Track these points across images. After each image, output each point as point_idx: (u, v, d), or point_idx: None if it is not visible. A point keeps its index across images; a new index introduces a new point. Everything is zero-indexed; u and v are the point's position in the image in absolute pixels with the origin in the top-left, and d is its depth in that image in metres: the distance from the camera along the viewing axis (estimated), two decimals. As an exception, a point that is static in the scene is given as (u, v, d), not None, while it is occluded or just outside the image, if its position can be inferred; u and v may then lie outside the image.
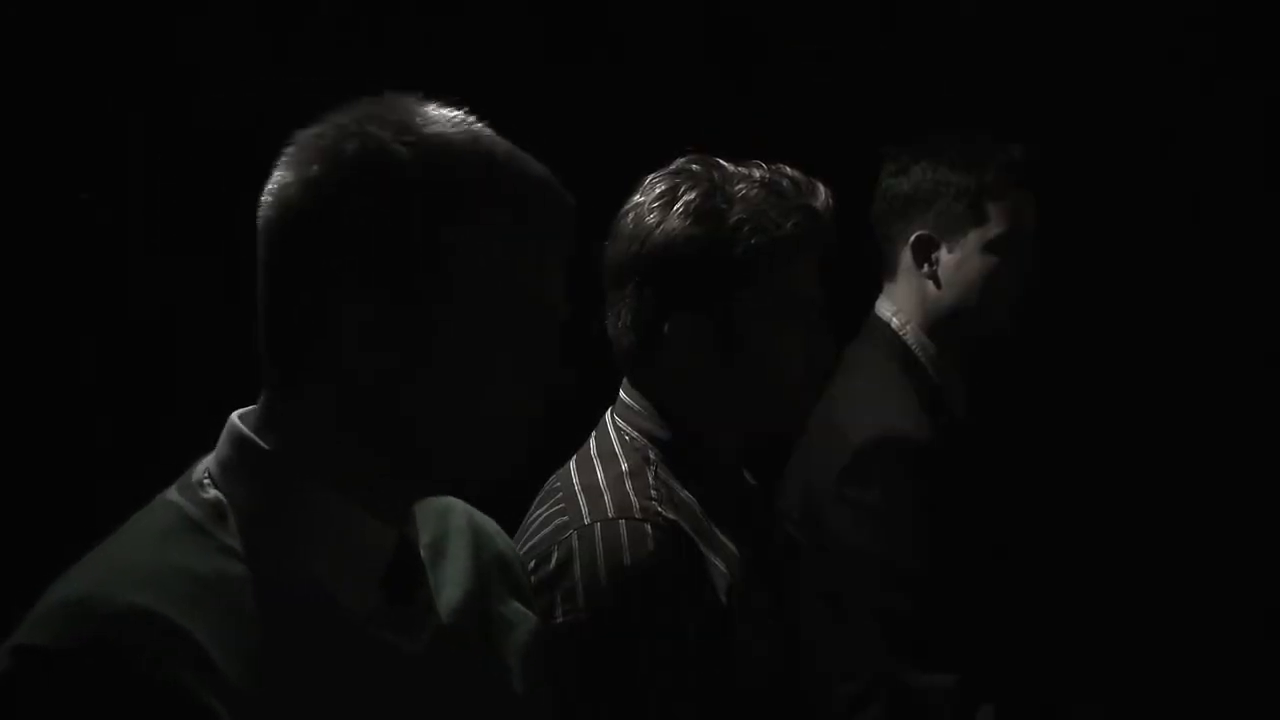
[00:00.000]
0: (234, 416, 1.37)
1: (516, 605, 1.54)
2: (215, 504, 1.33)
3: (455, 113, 1.36)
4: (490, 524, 1.59)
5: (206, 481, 1.35)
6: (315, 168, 1.31)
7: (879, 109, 3.09)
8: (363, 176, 1.30)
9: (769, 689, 1.84)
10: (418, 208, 1.31)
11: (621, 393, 1.94)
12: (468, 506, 1.56)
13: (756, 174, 1.88)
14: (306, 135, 1.34)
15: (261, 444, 1.34)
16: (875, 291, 2.68)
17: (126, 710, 1.20)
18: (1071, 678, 2.84)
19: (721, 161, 1.90)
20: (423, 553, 1.43)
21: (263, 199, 1.34)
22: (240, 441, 1.35)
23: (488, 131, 1.36)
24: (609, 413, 1.94)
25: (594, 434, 1.92)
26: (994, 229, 2.59)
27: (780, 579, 1.95)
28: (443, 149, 1.32)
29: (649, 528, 1.76)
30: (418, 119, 1.33)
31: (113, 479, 2.50)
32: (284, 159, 1.34)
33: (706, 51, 3.12)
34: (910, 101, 3.11)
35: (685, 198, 1.85)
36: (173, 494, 1.36)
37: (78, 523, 2.42)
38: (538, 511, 1.84)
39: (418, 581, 1.41)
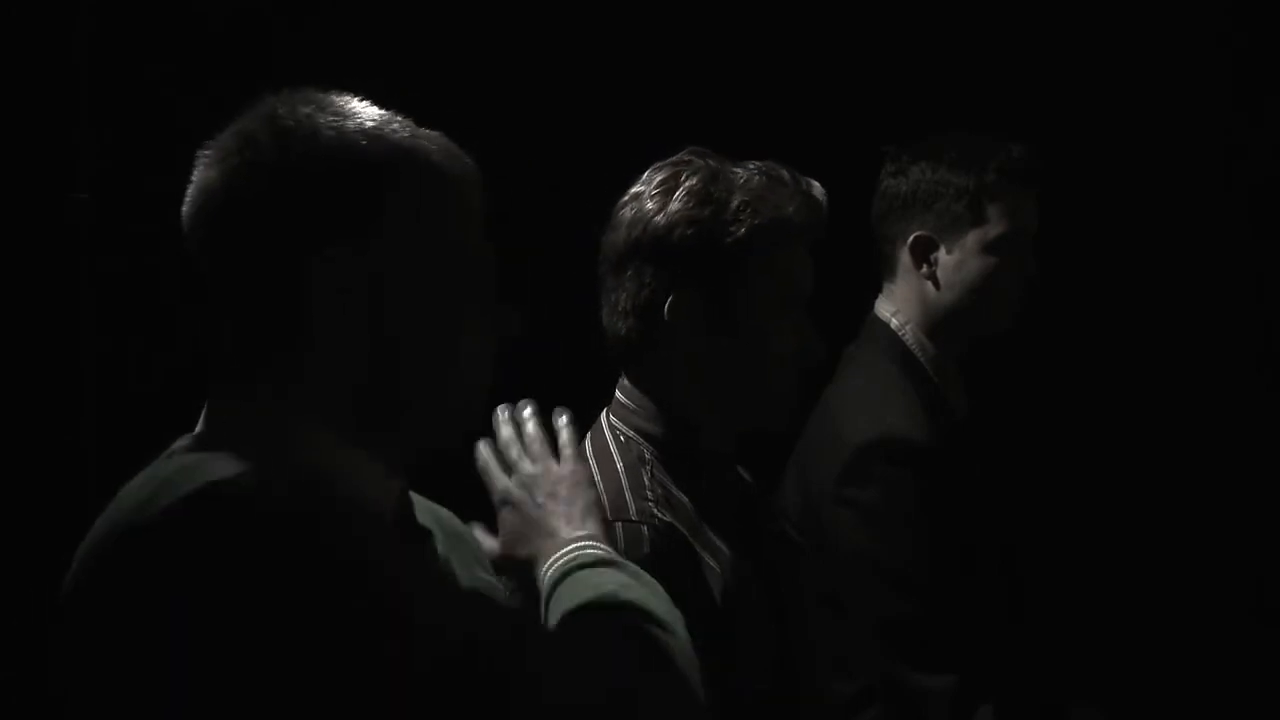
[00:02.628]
0: (209, 404, 1.40)
1: (483, 574, 1.58)
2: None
3: (354, 98, 1.41)
4: (443, 510, 1.62)
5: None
6: (239, 158, 1.34)
7: (879, 109, 3.09)
8: (291, 156, 1.34)
9: (767, 690, 1.84)
10: (348, 182, 1.35)
11: (618, 392, 1.95)
12: (421, 497, 1.59)
13: (753, 166, 1.92)
14: (224, 135, 1.38)
15: (260, 401, 1.36)
16: (875, 292, 2.67)
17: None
18: (1071, 678, 2.84)
19: (719, 156, 1.94)
20: None
21: (186, 203, 1.37)
22: (242, 394, 1.36)
23: (391, 115, 1.41)
24: (604, 413, 1.95)
25: (589, 434, 1.92)
26: (994, 229, 2.58)
27: (778, 579, 1.95)
28: (356, 125, 1.37)
29: (645, 530, 1.77)
30: (327, 100, 1.38)
31: (110, 481, 2.50)
32: (200, 160, 1.37)
33: (707, 50, 3.12)
34: (910, 102, 3.11)
35: (687, 184, 1.89)
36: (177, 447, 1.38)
37: (76, 523, 2.43)
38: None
39: (421, 533, 1.46)
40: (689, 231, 1.87)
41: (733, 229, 1.87)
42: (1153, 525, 3.33)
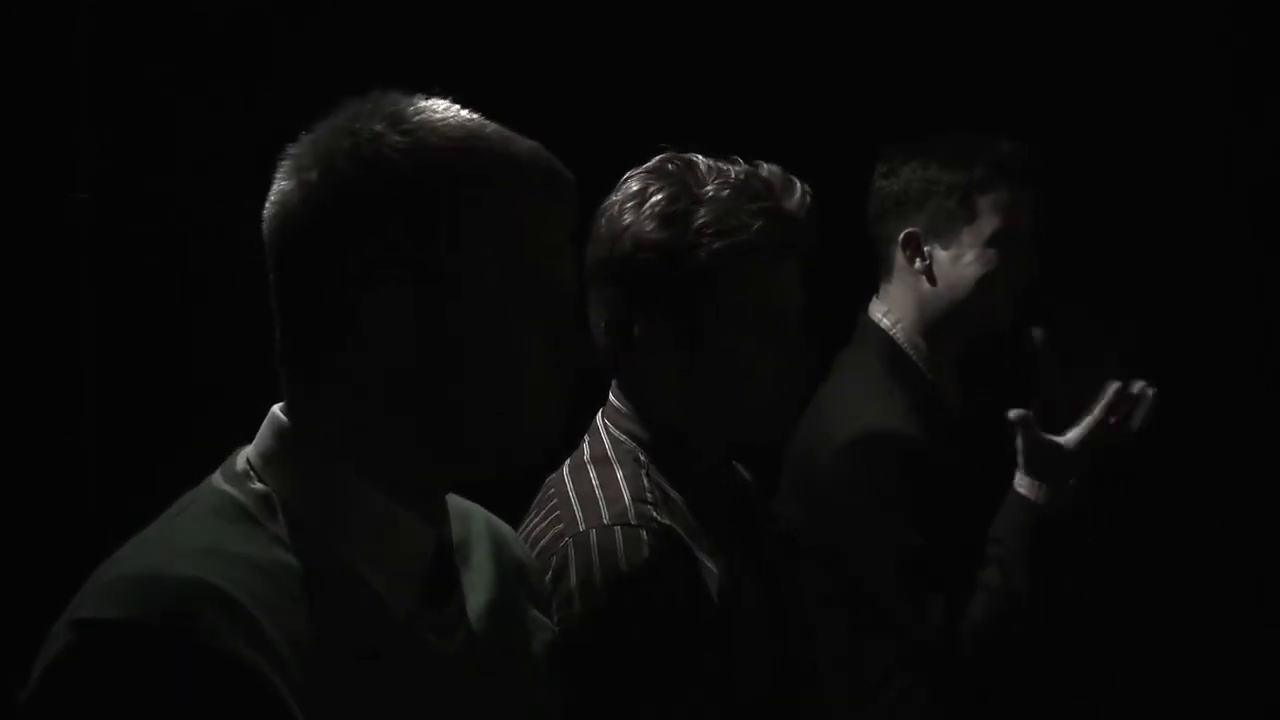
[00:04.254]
0: (276, 409, 1.38)
1: (535, 613, 1.56)
2: (264, 497, 1.34)
3: (444, 103, 1.38)
4: (507, 530, 1.60)
5: (251, 474, 1.35)
6: (315, 172, 1.33)
7: (877, 111, 3.09)
8: (365, 172, 1.32)
9: (766, 690, 1.84)
10: (422, 197, 1.33)
11: (610, 395, 1.93)
12: (486, 512, 1.57)
13: (731, 173, 1.85)
14: (302, 142, 1.36)
15: (304, 438, 1.35)
16: (869, 296, 2.68)
17: (196, 683, 1.20)
18: (1063, 674, 2.84)
19: (698, 159, 1.87)
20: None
21: (266, 209, 1.36)
22: (284, 434, 1.36)
23: (478, 118, 1.38)
24: (600, 415, 1.93)
25: (586, 437, 1.91)
26: (986, 226, 2.58)
27: (777, 580, 1.95)
28: (438, 139, 1.34)
29: (644, 533, 1.75)
30: (409, 112, 1.36)
31: (111, 480, 2.50)
32: (282, 168, 1.36)
33: (703, 50, 3.11)
34: (908, 102, 3.10)
35: (653, 199, 1.83)
36: (220, 482, 1.36)
37: (76, 524, 2.43)
38: (534, 521, 1.83)
39: (453, 586, 1.42)
40: (650, 256, 1.82)
41: (694, 252, 1.81)
42: (1152, 524, 3.33)
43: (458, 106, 1.38)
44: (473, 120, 1.37)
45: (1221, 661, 3.29)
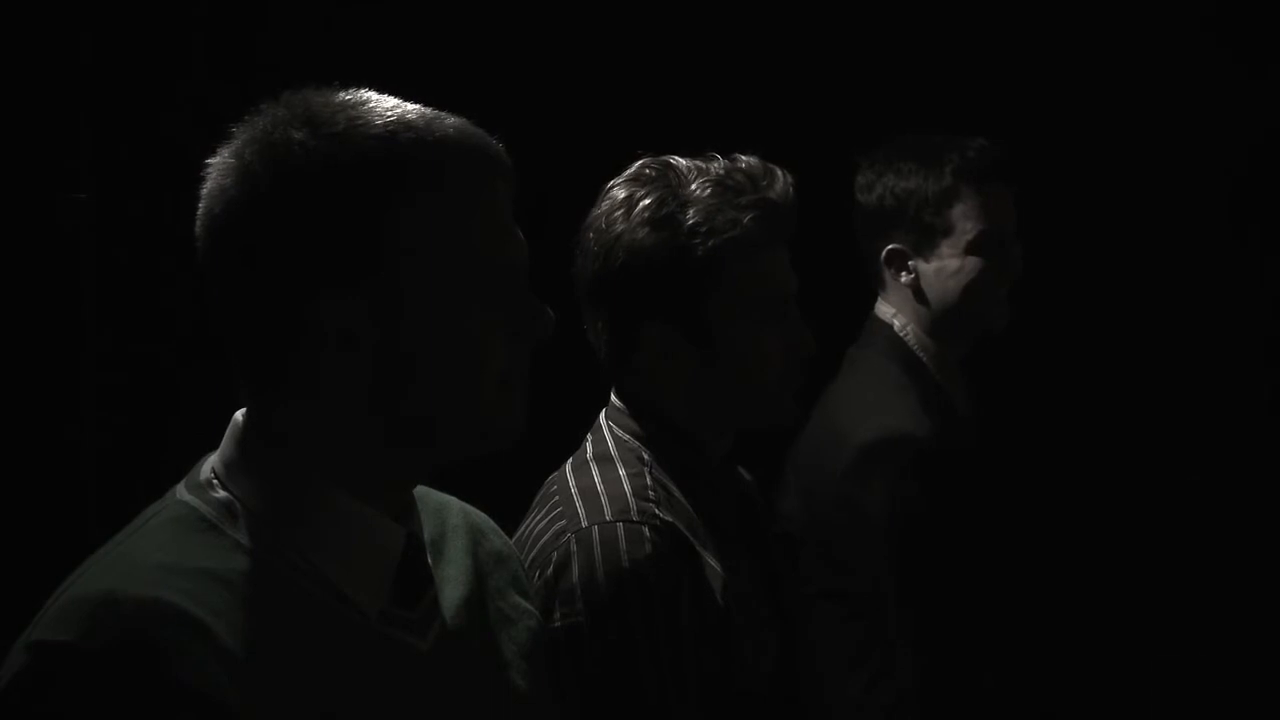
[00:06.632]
0: (238, 415, 1.37)
1: (516, 600, 1.55)
2: (227, 504, 1.33)
3: (367, 93, 1.36)
4: (485, 520, 1.59)
5: (215, 482, 1.35)
6: (249, 181, 1.30)
7: (877, 103, 3.09)
8: (305, 177, 1.30)
9: (767, 689, 1.84)
10: (363, 196, 1.30)
11: (612, 395, 1.94)
12: (463, 504, 1.57)
13: (712, 170, 1.86)
14: (225, 154, 1.33)
15: (266, 444, 1.34)
16: (876, 291, 2.68)
17: (155, 707, 1.20)
18: (1073, 676, 2.84)
19: (676, 161, 1.88)
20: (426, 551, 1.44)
21: (201, 219, 1.33)
22: (244, 441, 1.35)
23: (406, 104, 1.36)
24: (602, 415, 1.93)
25: (589, 436, 1.92)
26: (964, 234, 2.57)
27: (779, 579, 1.95)
28: (368, 135, 1.31)
29: (646, 530, 1.76)
30: (332, 109, 1.33)
31: (111, 480, 2.50)
32: (206, 182, 1.33)
33: (695, 51, 3.11)
34: (905, 97, 3.11)
35: (640, 206, 1.84)
36: (183, 493, 1.35)
37: (76, 524, 2.43)
38: (535, 517, 1.84)
39: (425, 582, 1.41)
40: (649, 262, 1.83)
41: (689, 254, 1.82)
42: (1154, 523, 3.33)
43: (381, 95, 1.36)
44: (403, 111, 1.34)
45: (1222, 661, 3.29)
